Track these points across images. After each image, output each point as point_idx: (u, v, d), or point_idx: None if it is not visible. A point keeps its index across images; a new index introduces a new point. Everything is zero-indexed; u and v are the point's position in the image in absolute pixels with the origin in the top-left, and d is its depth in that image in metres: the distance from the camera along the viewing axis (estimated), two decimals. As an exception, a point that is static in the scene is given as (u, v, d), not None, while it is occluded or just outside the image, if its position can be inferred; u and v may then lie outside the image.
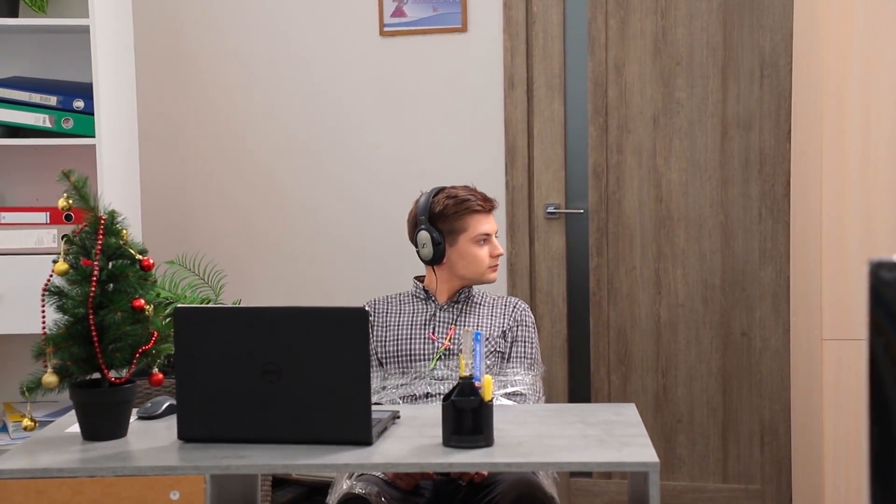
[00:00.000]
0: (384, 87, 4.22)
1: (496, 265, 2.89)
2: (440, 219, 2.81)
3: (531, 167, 4.14)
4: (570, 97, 4.11)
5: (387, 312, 2.92)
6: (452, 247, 2.83)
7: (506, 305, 2.93)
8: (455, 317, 2.88)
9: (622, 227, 4.08)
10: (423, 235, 2.81)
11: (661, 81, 4.00)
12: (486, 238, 2.83)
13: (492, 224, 2.84)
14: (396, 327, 2.88)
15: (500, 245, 2.89)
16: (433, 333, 2.85)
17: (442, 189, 2.87)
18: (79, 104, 3.65)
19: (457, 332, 2.85)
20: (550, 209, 4.12)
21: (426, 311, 2.88)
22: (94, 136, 3.62)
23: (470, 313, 2.89)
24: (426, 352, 2.84)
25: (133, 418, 2.45)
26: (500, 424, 2.29)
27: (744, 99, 3.95)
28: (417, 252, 2.88)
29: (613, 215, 4.09)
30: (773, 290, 3.98)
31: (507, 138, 4.13)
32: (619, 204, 4.08)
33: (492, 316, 2.90)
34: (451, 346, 2.83)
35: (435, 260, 2.84)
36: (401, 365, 2.84)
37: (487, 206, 2.84)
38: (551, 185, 4.13)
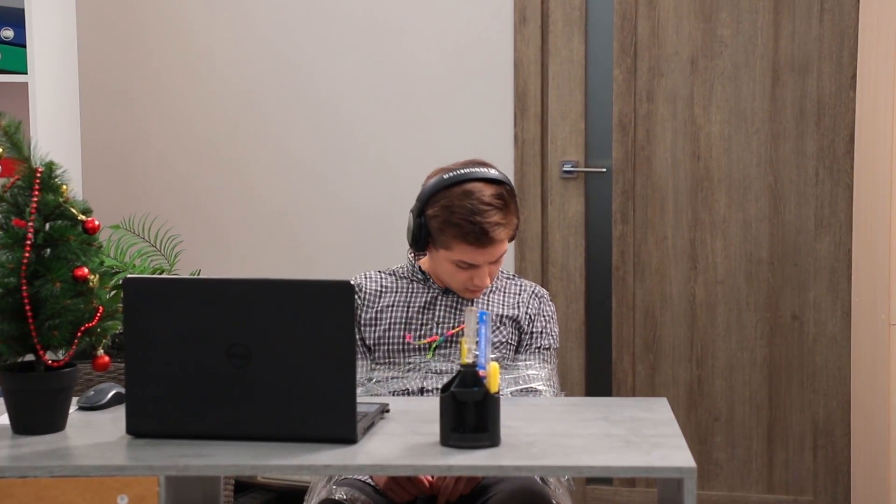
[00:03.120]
0: (366, 19, 4.21)
1: (477, 291, 2.80)
2: (430, 219, 2.76)
3: (545, 118, 4.13)
4: (593, 34, 4.09)
5: (378, 291, 2.90)
6: (433, 248, 2.80)
7: (521, 292, 2.92)
8: (460, 302, 2.87)
9: (652, 190, 4.08)
10: (410, 220, 2.81)
11: (700, 16, 3.99)
12: (468, 265, 2.76)
13: (487, 255, 2.71)
14: (389, 309, 2.86)
15: (488, 276, 2.75)
16: (431, 325, 2.84)
17: (457, 183, 2.72)
18: (7, 33, 3.62)
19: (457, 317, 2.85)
20: (567, 167, 4.12)
21: (426, 294, 2.87)
22: (25, 73, 3.59)
23: (477, 299, 2.87)
24: (424, 338, 2.84)
25: (73, 409, 2.43)
26: (508, 421, 2.27)
27: (799, 37, 3.94)
28: None
29: (642, 175, 4.08)
30: (830, 266, 3.99)
31: (516, 83, 4.12)
32: (648, 162, 4.07)
33: (504, 303, 2.89)
34: (454, 335, 2.83)
35: (415, 247, 2.83)
36: (391, 354, 2.84)
37: (484, 241, 2.68)
38: (568, 138, 4.12)
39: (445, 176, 2.74)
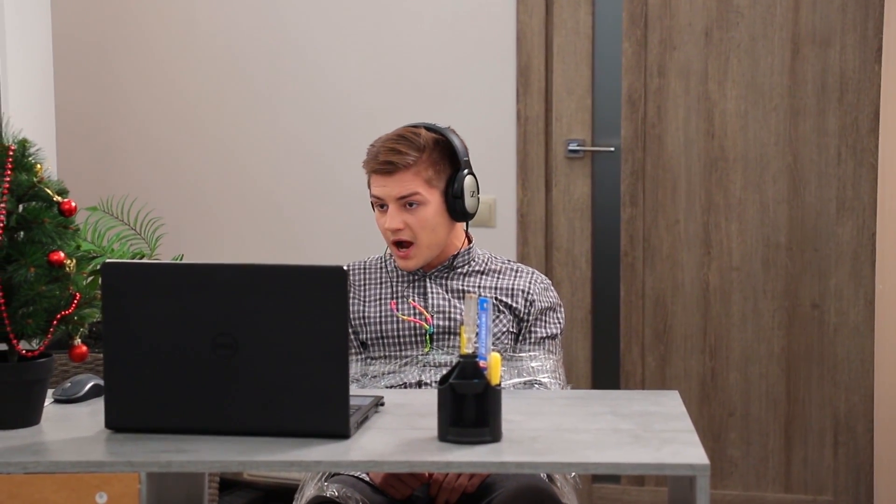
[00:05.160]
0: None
1: (399, 247, 2.81)
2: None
3: (549, 93, 4.13)
4: (600, 4, 4.09)
5: (369, 282, 2.92)
6: None
7: (518, 276, 2.92)
8: (449, 285, 2.88)
9: (663, 170, 4.08)
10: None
11: (715, -15, 4.00)
12: (381, 202, 2.82)
13: (389, 185, 2.78)
14: (380, 300, 2.88)
15: (398, 217, 2.77)
16: (414, 303, 2.86)
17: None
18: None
19: (455, 305, 2.85)
20: (573, 146, 4.12)
21: (413, 281, 2.89)
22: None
23: (470, 284, 2.89)
24: (419, 330, 2.85)
25: (48, 401, 2.43)
26: (510, 415, 2.28)
27: (821, 7, 3.94)
28: None
29: (652, 154, 4.09)
30: (853, 251, 3.99)
31: (519, 56, 4.12)
32: (659, 140, 4.07)
33: (499, 287, 2.90)
34: (448, 324, 2.84)
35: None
36: (386, 347, 2.85)
37: (380, 165, 2.77)
38: (574, 115, 4.12)
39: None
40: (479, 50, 4.15)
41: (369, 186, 2.84)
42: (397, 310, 2.84)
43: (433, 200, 2.80)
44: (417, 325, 2.83)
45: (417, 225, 2.80)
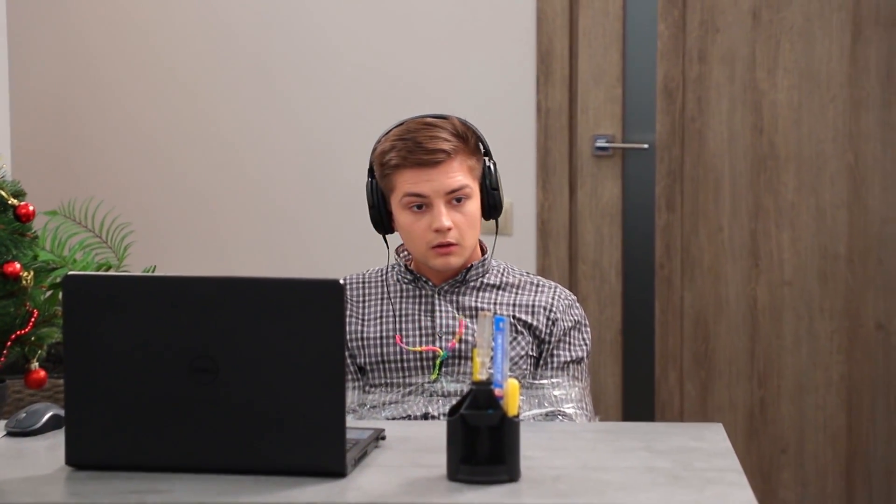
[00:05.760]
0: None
1: (444, 245, 2.79)
2: (377, 171, 2.85)
3: (573, 82, 4.14)
4: (633, -20, 4.12)
5: (368, 298, 2.91)
6: (392, 212, 2.87)
7: (539, 291, 2.91)
8: (460, 303, 2.87)
9: (704, 170, 4.08)
10: (366, 193, 2.88)
11: (764, -42, 4.01)
12: (419, 202, 2.79)
13: (434, 178, 2.76)
14: (380, 320, 2.87)
15: (447, 215, 2.75)
16: (430, 332, 2.84)
17: (403, 123, 2.85)
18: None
19: (467, 325, 2.84)
20: (601, 143, 4.13)
21: (418, 297, 2.88)
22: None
23: (484, 300, 2.88)
24: (426, 355, 2.83)
25: (0, 434, 2.43)
26: (530, 450, 2.25)
27: (886, -15, 3.95)
28: None
29: (692, 153, 4.09)
30: (922, 264, 4.00)
31: (539, 40, 4.13)
32: (699, 136, 4.07)
33: (517, 304, 2.88)
34: (460, 347, 2.83)
35: (378, 227, 2.89)
36: (387, 373, 2.84)
37: (422, 156, 2.75)
38: (602, 108, 4.13)
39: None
40: (494, 33, 4.16)
41: (389, 187, 2.81)
42: (402, 342, 2.83)
43: (476, 194, 2.80)
44: (428, 343, 2.83)
45: (465, 223, 2.79)
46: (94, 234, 4.05)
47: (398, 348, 2.83)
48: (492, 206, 2.84)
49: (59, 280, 2.21)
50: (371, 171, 2.86)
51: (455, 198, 2.77)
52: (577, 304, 2.93)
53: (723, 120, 4.06)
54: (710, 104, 4.06)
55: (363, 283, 2.93)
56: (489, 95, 4.15)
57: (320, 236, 4.29)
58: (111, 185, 4.32)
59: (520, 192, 4.14)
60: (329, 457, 2.16)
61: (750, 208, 4.07)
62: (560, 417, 2.77)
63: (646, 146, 4.13)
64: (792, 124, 4.02)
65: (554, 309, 2.87)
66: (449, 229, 2.76)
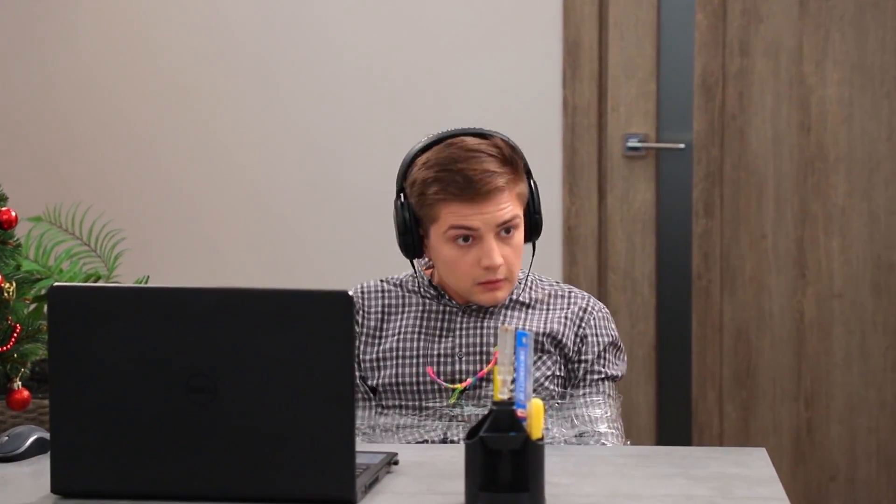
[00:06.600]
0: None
1: (492, 282, 2.75)
2: (410, 191, 2.78)
3: (603, 77, 4.10)
4: (668, -34, 4.15)
5: (382, 310, 2.85)
6: (427, 238, 2.80)
7: (569, 304, 2.85)
8: (485, 321, 2.81)
9: (746, 173, 4.03)
10: (395, 213, 2.81)
11: (812, -59, 4.03)
12: (466, 234, 2.72)
13: (485, 211, 2.70)
14: (396, 336, 2.81)
15: (498, 251, 2.71)
16: (452, 356, 2.78)
17: (439, 141, 2.78)
18: None
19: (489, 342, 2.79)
20: (633, 143, 4.09)
21: (441, 314, 2.82)
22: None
23: (512, 317, 2.83)
24: (443, 375, 2.77)
25: (-20, 459, 2.44)
26: (556, 476, 2.24)
27: (946, -32, 3.97)
28: None
29: (732, 154, 4.04)
30: (985, 274, 3.99)
31: (566, 32, 4.09)
32: (741, 135, 4.03)
33: (546, 321, 2.82)
34: (481, 369, 2.78)
35: (408, 252, 2.82)
36: (403, 395, 2.79)
37: (474, 190, 2.68)
38: (634, 104, 4.08)
39: (423, 139, 2.79)
40: (517, 23, 4.13)
41: (430, 216, 2.73)
42: (434, 373, 2.77)
43: (522, 220, 2.75)
44: (448, 364, 2.78)
45: (513, 255, 2.74)
46: (81, 242, 4.02)
47: (415, 370, 2.78)
48: (532, 229, 2.79)
49: (43, 292, 2.36)
50: (402, 192, 2.78)
51: (504, 229, 2.71)
52: (612, 322, 2.88)
53: (766, 118, 4.03)
54: (753, 100, 4.04)
55: (385, 292, 2.87)
56: (511, 91, 4.13)
57: (324, 244, 4.28)
58: (100, 189, 4.30)
59: (544, 196, 3.90)
60: (337, 483, 2.14)
61: (796, 214, 4.04)
62: (593, 440, 2.74)
63: (682, 146, 4.10)
64: (842, 122, 3.99)
65: (583, 324, 2.82)
66: (501, 265, 2.72)
